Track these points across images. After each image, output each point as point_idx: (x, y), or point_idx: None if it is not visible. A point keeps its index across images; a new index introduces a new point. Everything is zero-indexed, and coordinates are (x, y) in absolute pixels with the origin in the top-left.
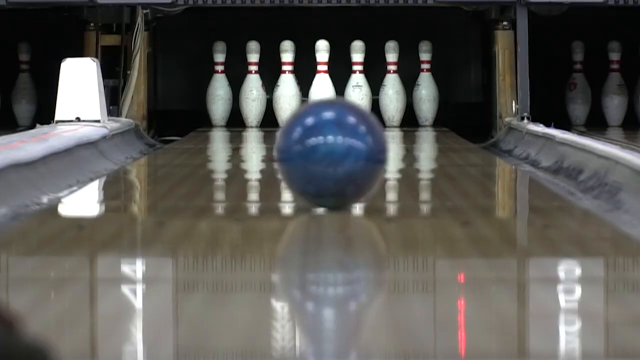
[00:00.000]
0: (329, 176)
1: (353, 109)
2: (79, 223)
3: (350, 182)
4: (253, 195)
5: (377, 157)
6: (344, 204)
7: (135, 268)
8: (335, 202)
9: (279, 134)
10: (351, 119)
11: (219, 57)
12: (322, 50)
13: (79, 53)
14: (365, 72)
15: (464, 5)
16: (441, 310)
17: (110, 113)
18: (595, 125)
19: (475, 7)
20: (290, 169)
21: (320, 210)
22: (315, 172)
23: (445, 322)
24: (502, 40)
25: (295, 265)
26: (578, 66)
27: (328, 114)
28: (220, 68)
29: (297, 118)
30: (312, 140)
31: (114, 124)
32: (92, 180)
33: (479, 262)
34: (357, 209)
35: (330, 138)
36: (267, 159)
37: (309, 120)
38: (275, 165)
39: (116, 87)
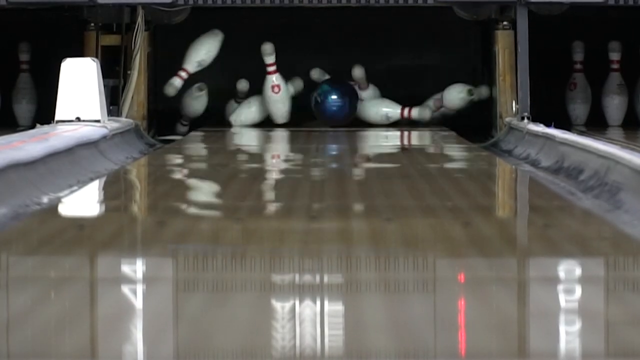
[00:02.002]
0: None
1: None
2: (79, 223)
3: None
4: (253, 195)
5: (355, 105)
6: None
7: (135, 268)
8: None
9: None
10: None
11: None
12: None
13: (79, 53)
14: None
15: (464, 11)
16: (441, 310)
17: (110, 113)
18: (596, 125)
19: (475, 17)
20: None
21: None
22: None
23: (446, 322)
24: (502, 40)
25: None
26: (578, 66)
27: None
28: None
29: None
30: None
31: (114, 124)
32: (92, 180)
33: (479, 262)
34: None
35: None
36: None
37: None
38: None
39: (116, 87)
